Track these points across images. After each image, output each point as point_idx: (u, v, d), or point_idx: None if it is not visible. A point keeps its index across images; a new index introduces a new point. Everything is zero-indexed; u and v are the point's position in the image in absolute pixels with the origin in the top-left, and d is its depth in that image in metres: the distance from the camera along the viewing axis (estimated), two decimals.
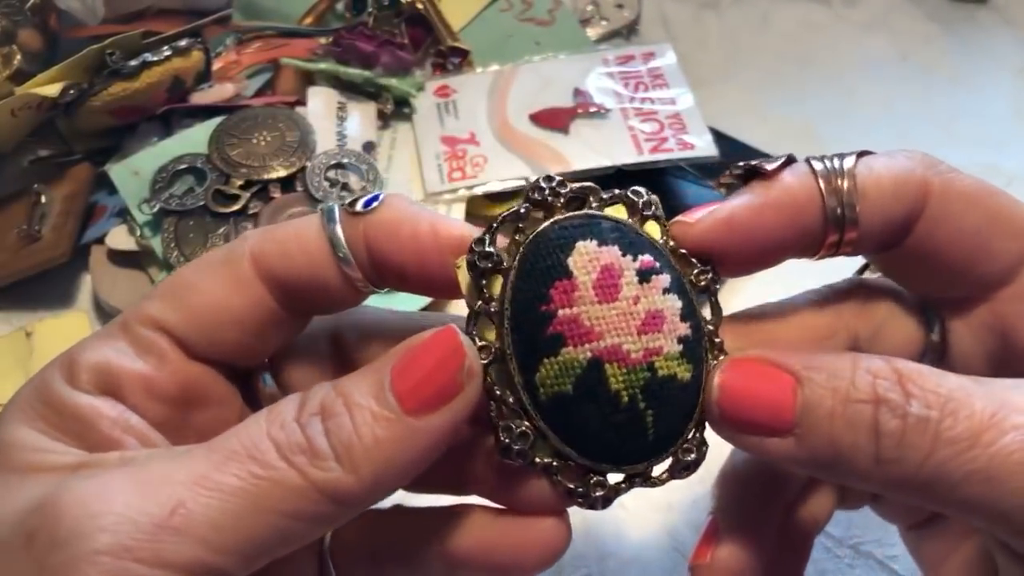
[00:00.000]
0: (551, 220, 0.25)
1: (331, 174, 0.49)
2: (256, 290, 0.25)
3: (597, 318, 0.24)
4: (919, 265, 0.27)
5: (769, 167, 0.26)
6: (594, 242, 0.24)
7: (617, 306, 0.24)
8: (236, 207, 0.48)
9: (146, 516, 0.21)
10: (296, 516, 0.22)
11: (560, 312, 0.24)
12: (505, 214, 0.25)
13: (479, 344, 0.24)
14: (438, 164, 0.52)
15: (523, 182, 0.50)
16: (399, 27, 0.57)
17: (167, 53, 0.51)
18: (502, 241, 0.25)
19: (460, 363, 0.23)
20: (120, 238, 0.48)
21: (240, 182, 0.48)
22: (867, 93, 0.59)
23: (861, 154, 0.26)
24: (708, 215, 0.26)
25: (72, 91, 0.49)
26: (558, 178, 0.25)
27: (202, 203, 0.48)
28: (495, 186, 0.50)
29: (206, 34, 0.55)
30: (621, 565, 0.39)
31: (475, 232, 0.25)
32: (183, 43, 0.51)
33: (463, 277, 0.25)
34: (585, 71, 0.55)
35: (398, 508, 0.28)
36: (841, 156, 0.26)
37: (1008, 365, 0.26)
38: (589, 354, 0.24)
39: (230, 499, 0.21)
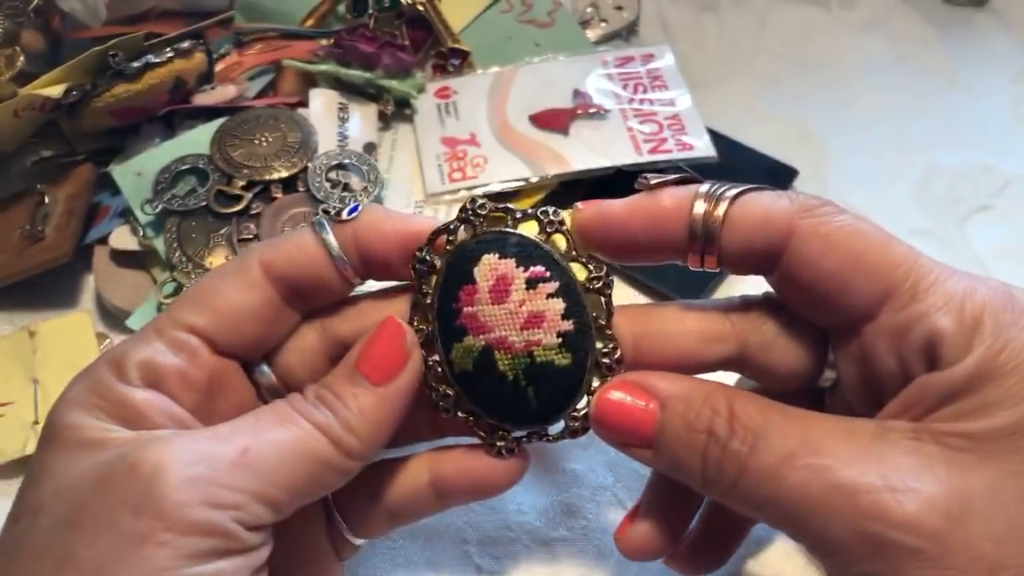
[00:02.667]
0: (471, 235, 0.32)
1: (332, 175, 0.50)
2: (266, 290, 0.32)
3: (489, 315, 0.31)
4: (797, 293, 0.30)
5: (655, 182, 0.31)
6: (496, 255, 0.31)
7: (506, 307, 0.31)
8: (238, 207, 0.48)
9: (224, 456, 0.27)
10: (325, 464, 0.29)
11: (464, 309, 0.31)
12: (438, 228, 0.32)
13: (417, 327, 0.32)
14: (438, 165, 0.52)
15: (523, 183, 0.51)
16: (400, 28, 0.57)
17: (169, 54, 0.51)
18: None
19: (403, 338, 0.31)
20: (123, 238, 0.48)
21: (242, 183, 0.49)
22: (865, 95, 0.59)
23: (752, 188, 0.30)
24: (593, 206, 0.31)
25: (75, 92, 0.49)
26: (481, 200, 0.32)
27: (204, 204, 0.48)
28: (495, 187, 0.50)
29: (208, 36, 0.55)
30: (621, 565, 0.39)
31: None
32: (185, 45, 0.52)
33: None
34: (584, 72, 0.55)
35: (386, 460, 0.34)
36: (732, 186, 0.30)
37: (878, 391, 0.29)
38: (483, 342, 0.31)
39: (283, 448, 0.28)
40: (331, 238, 0.32)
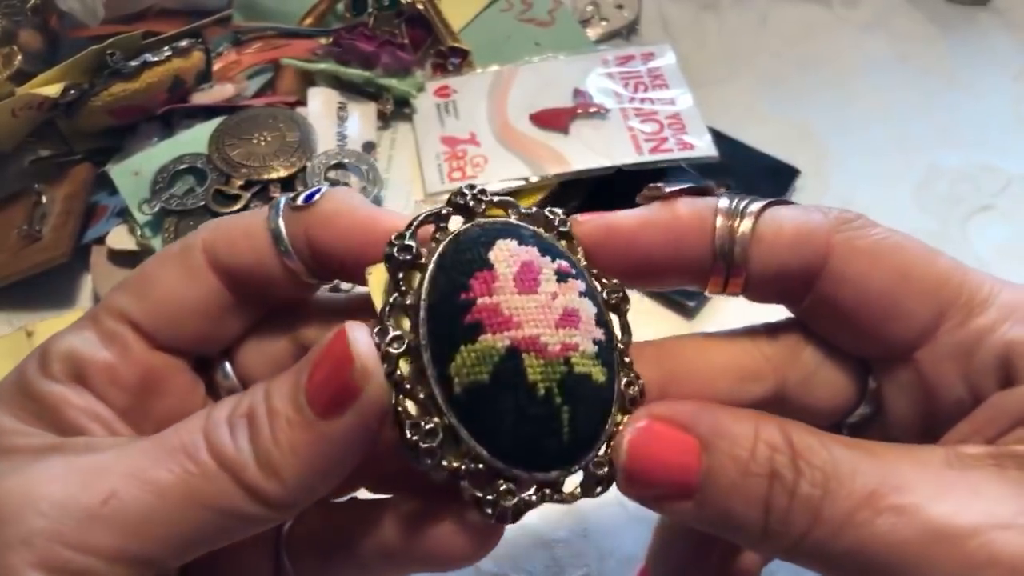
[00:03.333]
0: (472, 222, 0.25)
1: (331, 174, 0.50)
2: (209, 279, 0.27)
3: (516, 308, 0.24)
4: (833, 322, 0.26)
5: (669, 190, 0.26)
6: (514, 241, 0.24)
7: (536, 298, 0.24)
8: (237, 207, 0.48)
9: (80, 504, 0.22)
10: (226, 513, 0.23)
11: (479, 300, 0.23)
12: (427, 212, 0.25)
13: (392, 335, 0.23)
14: (438, 164, 0.52)
15: (523, 182, 0.50)
16: (399, 27, 0.57)
17: (167, 53, 0.51)
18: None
19: (350, 366, 0.23)
20: (120, 238, 0.48)
21: (240, 182, 0.48)
22: (866, 94, 0.59)
23: (775, 202, 0.26)
24: (596, 217, 0.27)
25: (73, 91, 0.49)
26: (480, 187, 0.26)
27: (202, 203, 0.48)
28: (495, 186, 0.50)
29: (206, 34, 0.55)
30: (621, 565, 0.39)
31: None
32: (183, 43, 0.51)
33: (376, 277, 0.25)
34: (585, 71, 0.55)
35: (351, 501, 0.28)
36: (754, 199, 0.26)
37: (938, 422, 0.26)
38: (508, 342, 0.23)
39: (162, 492, 0.22)
40: (281, 225, 0.26)
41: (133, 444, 0.24)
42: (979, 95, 0.59)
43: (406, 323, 0.24)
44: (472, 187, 0.25)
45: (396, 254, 0.24)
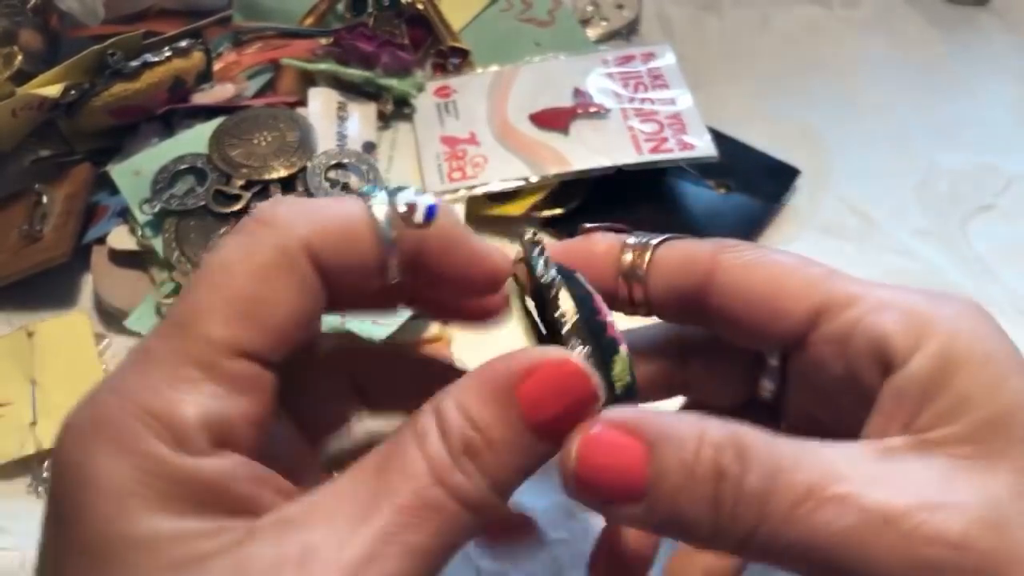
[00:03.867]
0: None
1: (332, 174, 0.50)
2: (318, 287, 0.24)
3: (616, 325, 0.28)
4: (730, 328, 0.30)
5: (588, 227, 0.31)
6: (576, 274, 0.29)
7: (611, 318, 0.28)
8: (237, 207, 0.48)
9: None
10: (465, 541, 0.24)
11: (608, 318, 0.28)
12: (535, 243, 0.28)
13: (585, 350, 0.27)
14: (438, 164, 0.52)
15: (523, 182, 0.50)
16: (399, 27, 0.57)
17: (168, 54, 0.51)
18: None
19: (595, 403, 0.24)
20: (121, 238, 0.48)
21: (241, 182, 0.48)
22: (867, 94, 0.59)
23: (672, 238, 0.30)
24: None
25: (73, 91, 0.49)
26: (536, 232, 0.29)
27: (203, 203, 0.48)
28: (495, 186, 0.50)
29: (207, 35, 0.55)
30: None
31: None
32: (184, 44, 0.52)
33: (516, 296, 0.29)
34: (585, 71, 0.55)
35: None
36: (655, 236, 0.31)
37: (834, 400, 0.29)
38: (627, 350, 0.28)
39: (423, 552, 0.22)
40: (390, 235, 0.25)
41: (340, 509, 0.22)
42: (979, 95, 0.59)
43: (577, 337, 0.27)
44: (535, 232, 0.29)
45: (554, 277, 0.27)
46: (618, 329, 0.28)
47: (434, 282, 0.26)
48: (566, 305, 0.27)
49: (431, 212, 0.25)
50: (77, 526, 0.21)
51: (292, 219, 0.24)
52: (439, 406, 0.24)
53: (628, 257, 0.30)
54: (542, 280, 0.27)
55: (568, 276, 0.28)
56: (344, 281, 0.25)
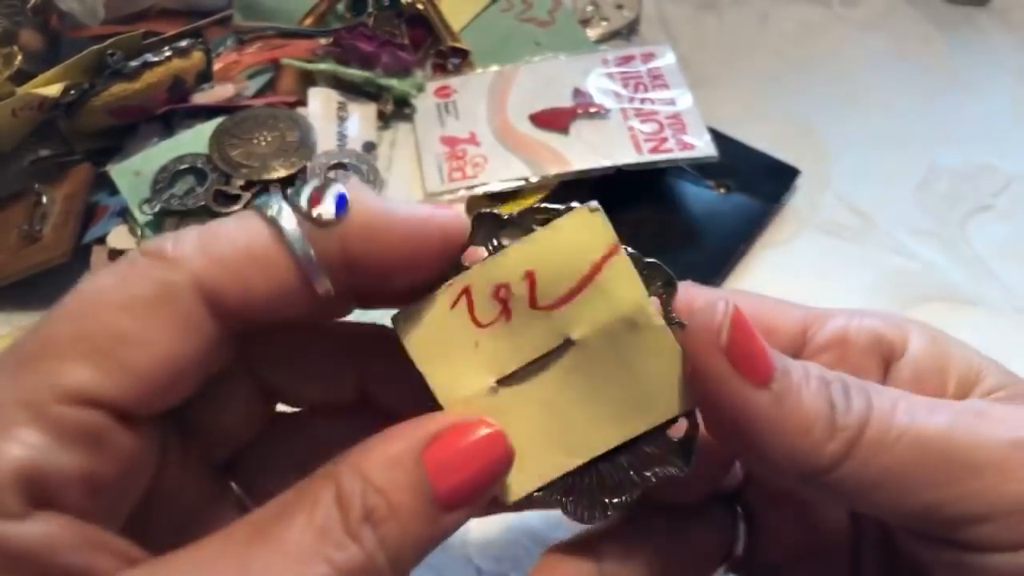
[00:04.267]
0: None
1: (332, 174, 0.50)
2: (210, 329, 0.20)
3: None
4: None
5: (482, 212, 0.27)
6: None
7: None
8: (237, 207, 0.48)
9: None
10: None
11: None
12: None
13: None
14: (438, 164, 0.52)
15: (523, 182, 0.50)
16: (399, 27, 0.57)
17: (168, 53, 0.51)
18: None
19: (506, 469, 0.22)
20: (121, 238, 0.48)
21: (241, 182, 0.48)
22: (866, 94, 0.59)
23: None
24: None
25: (73, 91, 0.49)
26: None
27: (203, 203, 0.48)
28: (495, 186, 0.50)
29: (207, 34, 0.55)
30: None
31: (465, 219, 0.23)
32: (184, 43, 0.51)
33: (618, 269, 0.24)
34: (585, 71, 0.55)
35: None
36: None
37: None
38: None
39: None
40: (311, 252, 0.21)
41: (213, 557, 0.19)
42: (979, 95, 0.59)
43: None
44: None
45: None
46: None
47: (379, 274, 0.22)
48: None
49: (341, 202, 0.21)
50: None
51: (183, 250, 0.20)
52: (334, 471, 0.20)
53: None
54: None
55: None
56: (263, 310, 0.21)
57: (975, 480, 0.22)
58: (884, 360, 0.27)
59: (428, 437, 0.21)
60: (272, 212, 0.21)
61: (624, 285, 0.24)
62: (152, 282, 0.20)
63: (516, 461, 0.23)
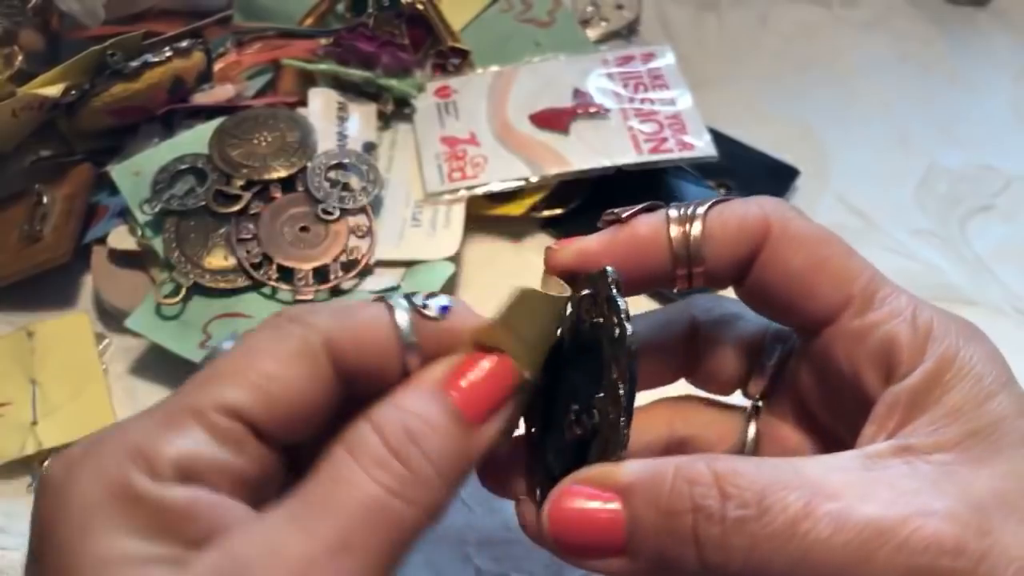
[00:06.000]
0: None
1: (332, 174, 0.50)
2: (331, 379, 0.26)
3: None
4: (762, 298, 0.30)
5: (625, 214, 0.30)
6: None
7: None
8: (237, 207, 0.48)
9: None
10: (414, 539, 0.24)
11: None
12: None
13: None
14: (438, 164, 0.52)
15: (523, 182, 0.50)
16: (399, 28, 0.57)
17: (168, 54, 0.51)
18: None
19: (513, 383, 0.26)
20: (121, 238, 0.48)
21: (241, 182, 0.48)
22: (866, 94, 0.59)
23: (717, 202, 0.30)
24: (569, 245, 0.30)
25: (73, 92, 0.49)
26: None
27: (203, 203, 0.48)
28: (495, 186, 0.50)
29: (207, 35, 0.55)
30: None
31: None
32: (184, 44, 0.51)
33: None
34: (585, 72, 0.55)
35: None
36: (698, 203, 0.30)
37: (834, 397, 0.30)
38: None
39: (371, 560, 0.23)
40: (406, 324, 0.27)
41: (278, 535, 0.23)
42: (979, 95, 0.59)
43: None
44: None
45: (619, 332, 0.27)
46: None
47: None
48: (625, 378, 0.26)
49: (444, 309, 0.27)
50: (48, 539, 0.22)
51: (319, 318, 0.26)
52: (371, 414, 0.25)
53: (677, 232, 0.29)
54: (616, 333, 0.27)
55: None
56: (364, 374, 0.26)
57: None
58: (886, 375, 0.28)
59: (448, 371, 0.26)
60: (391, 302, 0.27)
61: None
62: (295, 339, 0.26)
63: None
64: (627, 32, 0.61)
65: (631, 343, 0.26)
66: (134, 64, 0.50)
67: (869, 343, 0.28)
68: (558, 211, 0.51)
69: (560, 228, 0.51)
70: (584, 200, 0.51)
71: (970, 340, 0.27)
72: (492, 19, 0.59)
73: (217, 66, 0.55)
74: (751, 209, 0.30)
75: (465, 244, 0.49)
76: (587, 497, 0.26)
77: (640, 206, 0.30)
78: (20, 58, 0.51)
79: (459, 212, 0.50)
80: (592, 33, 0.60)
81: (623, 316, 0.27)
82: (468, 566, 0.40)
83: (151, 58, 0.50)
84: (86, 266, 0.49)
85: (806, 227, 0.29)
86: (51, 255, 0.48)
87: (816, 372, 0.30)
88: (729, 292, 0.32)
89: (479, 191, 0.50)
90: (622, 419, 0.26)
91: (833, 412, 0.30)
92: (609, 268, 0.28)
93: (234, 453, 0.24)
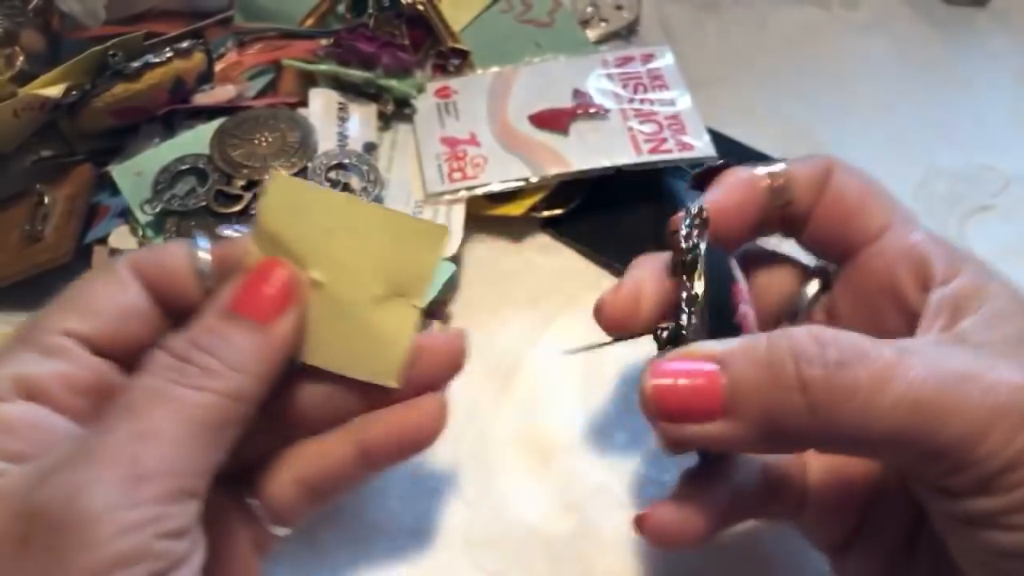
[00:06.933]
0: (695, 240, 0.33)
1: (332, 175, 0.50)
2: (135, 287, 0.30)
3: (749, 316, 0.34)
4: (825, 221, 0.35)
5: (717, 164, 0.36)
6: (733, 258, 0.35)
7: (750, 308, 0.34)
8: (238, 207, 0.48)
9: (121, 475, 0.24)
10: (225, 426, 0.27)
11: (740, 306, 0.33)
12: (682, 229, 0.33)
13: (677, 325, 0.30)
14: (438, 164, 0.52)
15: (523, 183, 0.50)
16: (400, 28, 0.57)
17: (169, 54, 0.51)
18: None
19: (289, 279, 0.30)
20: (122, 238, 0.48)
21: (242, 182, 0.49)
22: (865, 95, 0.59)
23: (795, 161, 0.35)
24: (716, 203, 0.34)
25: (75, 92, 0.49)
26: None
27: (204, 204, 0.48)
28: (495, 187, 0.50)
29: (208, 35, 0.55)
30: (621, 563, 0.39)
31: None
32: (185, 44, 0.52)
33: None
34: (585, 72, 0.55)
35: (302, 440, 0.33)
36: (775, 161, 0.36)
37: (874, 313, 0.33)
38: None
39: (175, 436, 0.26)
40: (203, 254, 0.31)
41: (112, 417, 0.26)
42: (978, 95, 0.59)
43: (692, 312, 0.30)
44: (701, 208, 0.33)
45: (688, 256, 0.32)
46: (752, 320, 0.32)
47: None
48: (698, 285, 0.30)
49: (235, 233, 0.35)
50: None
51: (133, 252, 0.32)
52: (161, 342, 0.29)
53: (768, 183, 0.35)
54: (687, 257, 0.31)
55: (718, 257, 0.32)
56: (172, 294, 0.31)
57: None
58: (923, 284, 0.31)
59: (228, 285, 0.30)
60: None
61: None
62: (108, 267, 0.31)
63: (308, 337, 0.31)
64: (627, 33, 0.61)
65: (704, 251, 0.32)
66: (135, 65, 0.50)
67: (909, 256, 0.32)
68: (558, 211, 0.51)
69: (560, 228, 0.51)
70: (584, 200, 0.51)
71: (991, 267, 0.32)
72: (492, 20, 0.60)
73: (218, 66, 0.55)
74: (813, 157, 0.35)
75: (465, 244, 0.49)
76: (683, 360, 0.27)
77: (721, 162, 0.36)
78: (21, 59, 0.52)
79: (459, 212, 0.50)
80: (592, 34, 0.60)
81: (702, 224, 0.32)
82: (469, 566, 0.40)
83: (152, 59, 0.50)
84: (87, 266, 0.49)
85: (853, 166, 0.35)
86: (52, 255, 0.48)
87: (852, 291, 0.34)
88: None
89: (479, 191, 0.50)
90: (704, 313, 0.30)
91: (874, 322, 0.33)
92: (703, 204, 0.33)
93: (65, 363, 0.28)
